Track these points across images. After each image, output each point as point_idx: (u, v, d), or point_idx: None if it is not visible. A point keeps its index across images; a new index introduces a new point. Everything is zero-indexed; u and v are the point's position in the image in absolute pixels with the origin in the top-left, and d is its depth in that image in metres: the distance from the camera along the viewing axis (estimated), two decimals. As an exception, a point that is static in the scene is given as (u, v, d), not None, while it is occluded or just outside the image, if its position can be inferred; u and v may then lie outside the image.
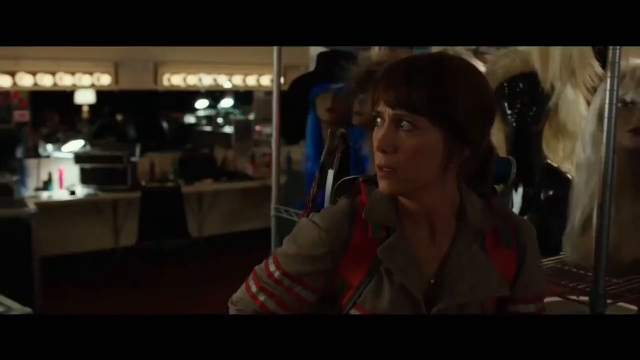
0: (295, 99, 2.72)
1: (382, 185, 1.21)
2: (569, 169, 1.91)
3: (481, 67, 2.00)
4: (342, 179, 1.39)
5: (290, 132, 2.75)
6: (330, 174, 1.43)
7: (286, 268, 1.29)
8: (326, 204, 1.41)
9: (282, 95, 2.71)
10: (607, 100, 1.60)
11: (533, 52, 1.76)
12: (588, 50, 1.75)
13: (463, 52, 2.05)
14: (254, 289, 1.33)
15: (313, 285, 1.29)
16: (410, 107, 1.16)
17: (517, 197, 1.89)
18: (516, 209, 1.86)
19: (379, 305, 1.24)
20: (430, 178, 1.21)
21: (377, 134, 1.20)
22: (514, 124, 1.82)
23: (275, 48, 2.65)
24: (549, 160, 1.92)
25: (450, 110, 1.16)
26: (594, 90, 1.80)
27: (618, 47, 1.55)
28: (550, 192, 1.93)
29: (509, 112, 1.82)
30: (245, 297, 1.35)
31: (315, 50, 3.45)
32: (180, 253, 6.32)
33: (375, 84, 1.22)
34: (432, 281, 1.26)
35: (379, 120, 1.21)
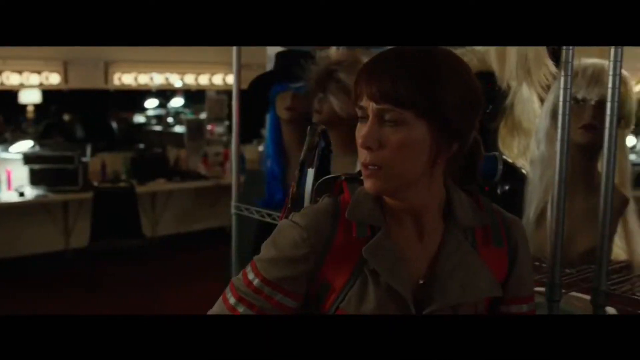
0: (254, 98, 2.74)
1: (368, 184, 1.16)
2: (524, 165, 1.98)
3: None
4: (323, 178, 1.33)
5: (245, 131, 2.76)
6: (310, 172, 1.38)
7: (266, 274, 1.21)
8: (306, 204, 1.35)
9: (241, 94, 2.72)
10: (560, 98, 1.66)
11: (490, 52, 1.81)
12: (543, 50, 1.81)
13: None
14: (232, 300, 1.24)
15: (295, 291, 1.21)
16: (395, 100, 1.11)
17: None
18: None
19: (364, 308, 1.18)
20: (417, 175, 1.16)
21: (361, 130, 1.15)
22: (471, 122, 1.87)
23: (234, 47, 2.66)
24: (504, 156, 1.99)
25: (437, 103, 1.11)
26: (547, 88, 1.87)
27: (571, 47, 1.62)
28: (506, 187, 2.00)
29: (466, 110, 1.87)
30: (222, 310, 1.25)
31: (272, 50, 3.47)
32: (134, 253, 6.27)
33: (357, 78, 1.17)
34: (421, 282, 1.21)
35: (361, 115, 1.16)
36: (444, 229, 1.23)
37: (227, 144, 7.60)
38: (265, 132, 2.88)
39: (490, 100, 1.84)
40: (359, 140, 1.15)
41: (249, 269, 1.25)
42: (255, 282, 1.22)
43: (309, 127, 1.40)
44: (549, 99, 1.83)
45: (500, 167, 1.30)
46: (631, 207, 1.93)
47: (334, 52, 2.53)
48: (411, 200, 1.20)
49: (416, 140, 1.13)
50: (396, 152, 1.13)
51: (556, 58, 1.80)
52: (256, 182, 3.33)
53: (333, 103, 2.31)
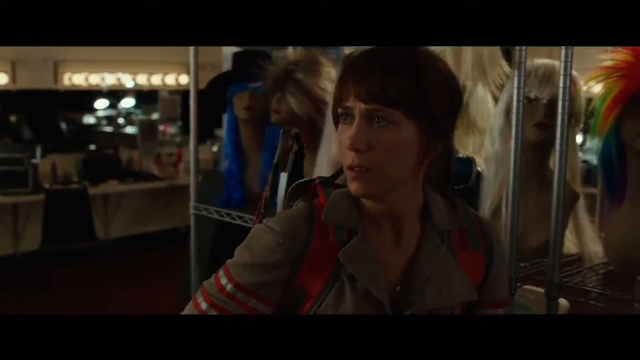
0: (211, 98, 2.74)
1: (355, 186, 1.12)
2: (479, 163, 2.03)
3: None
4: (297, 182, 1.30)
5: (200, 131, 2.76)
6: (284, 177, 1.34)
7: (239, 280, 1.18)
8: (279, 209, 1.32)
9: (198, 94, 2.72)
10: (514, 97, 1.72)
11: (446, 53, 1.85)
12: (497, 50, 1.87)
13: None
14: (203, 305, 1.20)
15: (269, 297, 1.18)
16: (385, 100, 1.08)
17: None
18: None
19: (340, 313, 1.16)
20: (404, 177, 1.14)
21: (346, 131, 1.11)
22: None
23: (191, 48, 2.66)
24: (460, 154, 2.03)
25: (426, 102, 1.09)
26: (501, 87, 1.93)
27: (524, 47, 1.67)
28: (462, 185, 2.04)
29: (423, 109, 1.91)
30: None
31: (228, 50, 3.47)
32: (87, 255, 6.18)
33: (340, 78, 1.14)
34: (398, 287, 1.19)
35: (345, 117, 1.12)
36: (420, 232, 1.21)
37: (180, 145, 7.55)
38: (221, 132, 2.88)
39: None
40: (345, 142, 1.10)
41: (221, 273, 1.21)
42: (229, 287, 1.19)
43: (282, 131, 1.35)
44: (503, 98, 1.89)
45: (475, 169, 1.26)
46: (581, 202, 2.00)
47: (291, 52, 2.55)
48: (394, 203, 1.17)
49: (406, 141, 1.10)
50: (386, 154, 1.10)
51: (509, 58, 1.85)
52: (213, 182, 3.34)
53: (291, 103, 2.33)
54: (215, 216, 2.61)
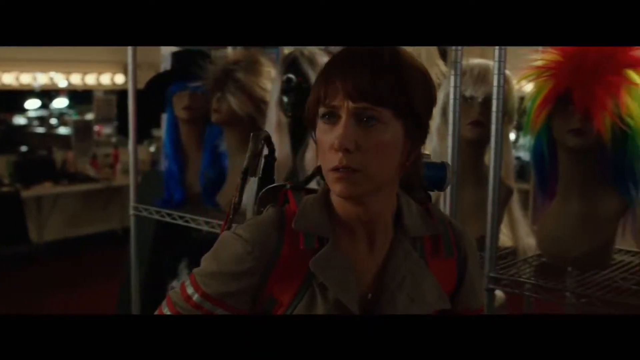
0: (150, 97, 2.72)
1: (339, 187, 1.07)
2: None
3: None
4: (267, 187, 1.26)
5: (138, 132, 2.73)
6: (254, 181, 1.29)
7: (207, 289, 1.14)
8: (249, 214, 1.29)
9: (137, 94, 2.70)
10: (451, 96, 1.77)
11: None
12: (434, 50, 1.91)
13: (316, 51, 2.17)
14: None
15: (237, 307, 1.14)
16: (374, 98, 1.05)
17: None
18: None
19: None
20: (389, 179, 1.11)
21: (331, 131, 1.07)
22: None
23: (129, 47, 2.63)
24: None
25: (412, 100, 1.07)
26: (438, 87, 1.97)
27: (460, 47, 1.72)
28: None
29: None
30: None
31: (166, 49, 3.44)
32: (21, 259, 6.02)
33: (324, 76, 1.09)
34: (369, 295, 1.16)
35: (329, 116, 1.07)
36: (392, 238, 1.17)
37: (117, 145, 7.42)
38: (159, 132, 2.86)
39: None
40: (332, 143, 1.06)
41: (187, 282, 1.17)
42: (195, 297, 1.14)
43: (252, 134, 1.30)
44: (440, 97, 1.93)
45: (449, 174, 1.22)
46: (515, 197, 2.06)
47: (231, 51, 2.56)
48: (372, 206, 1.12)
49: (394, 141, 1.07)
50: (374, 154, 1.06)
51: (446, 58, 1.90)
52: (152, 183, 3.31)
53: (231, 102, 2.34)
54: (156, 217, 2.59)
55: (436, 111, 1.96)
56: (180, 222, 2.49)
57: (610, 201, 1.75)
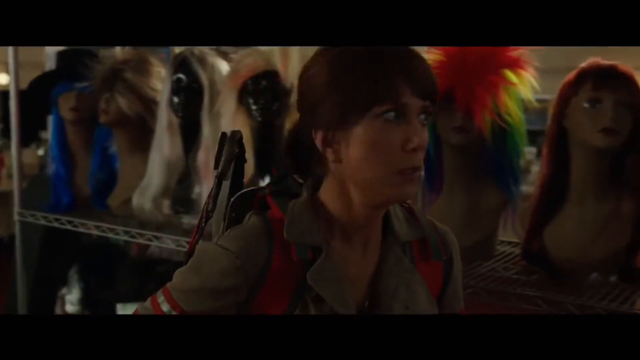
0: (35, 99, 2.62)
1: (412, 189, 1.03)
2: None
3: (225, 66, 2.12)
4: (240, 192, 1.18)
5: (24, 134, 2.63)
6: (226, 185, 1.20)
7: (186, 306, 1.07)
8: (218, 221, 1.19)
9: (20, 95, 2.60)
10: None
11: (274, 52, 1.90)
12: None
13: (207, 51, 2.15)
14: None
15: None
16: (434, 97, 1.04)
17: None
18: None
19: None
20: None
21: (401, 130, 1.00)
22: (259, 119, 1.95)
23: (10, 47, 2.54)
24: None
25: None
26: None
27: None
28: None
29: (253, 107, 1.94)
30: None
31: (51, 49, 3.32)
32: None
33: (383, 73, 1.01)
34: (366, 303, 1.12)
35: (396, 115, 1.00)
36: (382, 244, 1.13)
37: (1, 149, 7.08)
38: (47, 134, 2.76)
39: (276, 98, 1.94)
40: (412, 141, 1.00)
41: (161, 299, 1.08)
42: (173, 315, 1.07)
43: (228, 135, 1.20)
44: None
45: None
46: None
47: (119, 50, 2.50)
48: (382, 210, 1.10)
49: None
50: (424, 153, 1.04)
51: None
52: (40, 187, 3.18)
53: (120, 103, 2.29)
54: (43, 222, 2.50)
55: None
56: (68, 226, 2.41)
57: (492, 195, 1.82)
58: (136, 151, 2.37)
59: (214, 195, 1.18)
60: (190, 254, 1.15)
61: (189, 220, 2.10)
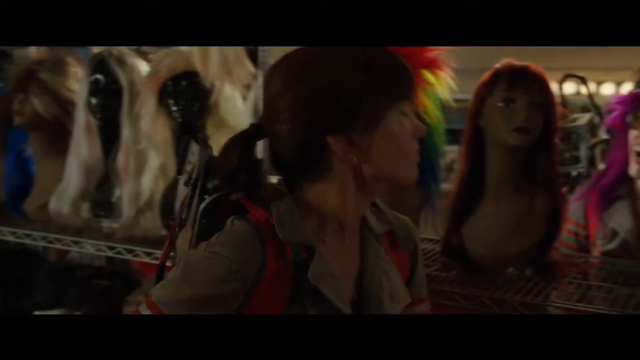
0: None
1: (417, 171, 1.14)
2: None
3: (144, 66, 2.08)
4: (213, 196, 1.14)
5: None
6: (185, 190, 1.17)
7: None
8: (187, 228, 1.15)
9: None
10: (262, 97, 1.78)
11: (194, 52, 1.87)
12: (242, 50, 1.92)
13: (126, 51, 2.11)
14: None
15: None
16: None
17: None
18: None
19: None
20: None
21: (413, 120, 1.13)
22: (179, 120, 1.92)
23: None
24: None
25: None
26: (249, 87, 1.99)
27: (266, 48, 1.74)
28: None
29: (174, 108, 1.91)
30: None
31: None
32: None
33: (407, 70, 1.12)
34: (355, 298, 1.15)
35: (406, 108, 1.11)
36: (360, 239, 1.17)
37: None
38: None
39: (195, 98, 1.91)
40: (422, 128, 1.15)
41: (147, 313, 1.05)
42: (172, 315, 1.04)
43: (200, 140, 1.17)
44: (250, 97, 1.95)
45: None
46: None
47: (34, 50, 2.43)
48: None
49: None
50: None
51: (254, 59, 1.92)
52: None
53: (35, 104, 2.23)
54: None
55: (249, 111, 1.98)
56: (-18, 233, 2.33)
57: (413, 193, 1.85)
58: (53, 154, 2.30)
59: (188, 203, 1.16)
60: (162, 266, 1.14)
61: (109, 224, 2.05)
